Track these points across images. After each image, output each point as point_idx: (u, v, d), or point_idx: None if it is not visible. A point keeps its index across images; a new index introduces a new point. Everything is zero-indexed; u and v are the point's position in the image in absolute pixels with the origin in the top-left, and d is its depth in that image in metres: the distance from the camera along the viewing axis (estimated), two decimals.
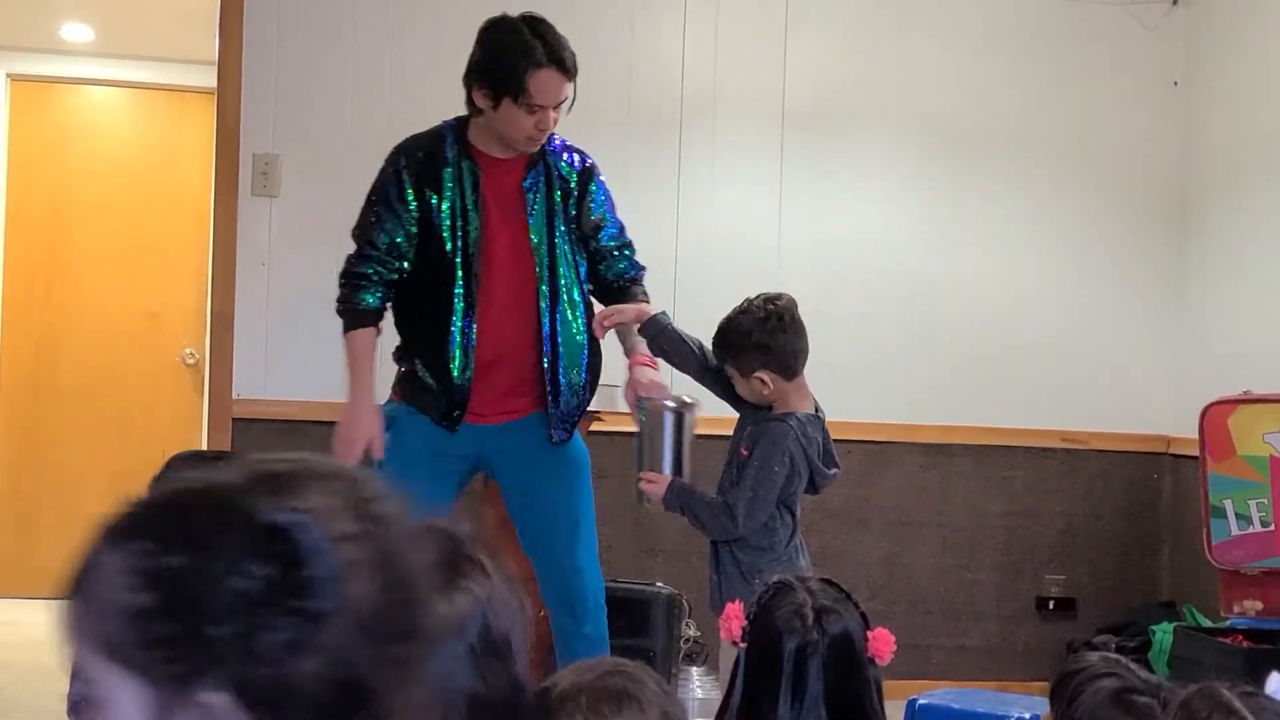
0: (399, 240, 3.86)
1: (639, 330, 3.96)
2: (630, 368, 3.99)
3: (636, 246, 5.62)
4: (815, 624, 2.26)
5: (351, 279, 3.91)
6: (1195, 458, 5.24)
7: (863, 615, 2.34)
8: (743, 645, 2.34)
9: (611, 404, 4.96)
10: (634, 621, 4.12)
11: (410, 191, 3.84)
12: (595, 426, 5.13)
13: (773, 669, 2.26)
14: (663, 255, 5.63)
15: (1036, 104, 5.99)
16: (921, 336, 5.87)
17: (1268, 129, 5.60)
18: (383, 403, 4.02)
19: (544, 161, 3.97)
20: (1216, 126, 5.93)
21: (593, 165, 4.08)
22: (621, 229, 4.15)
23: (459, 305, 3.85)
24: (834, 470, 3.88)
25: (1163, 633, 5.36)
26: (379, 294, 3.90)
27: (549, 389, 3.97)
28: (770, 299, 3.83)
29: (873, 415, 5.76)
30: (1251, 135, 5.70)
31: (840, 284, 5.71)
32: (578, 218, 4.03)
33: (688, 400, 3.89)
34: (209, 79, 5.94)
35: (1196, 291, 5.98)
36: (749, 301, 3.84)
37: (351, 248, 3.96)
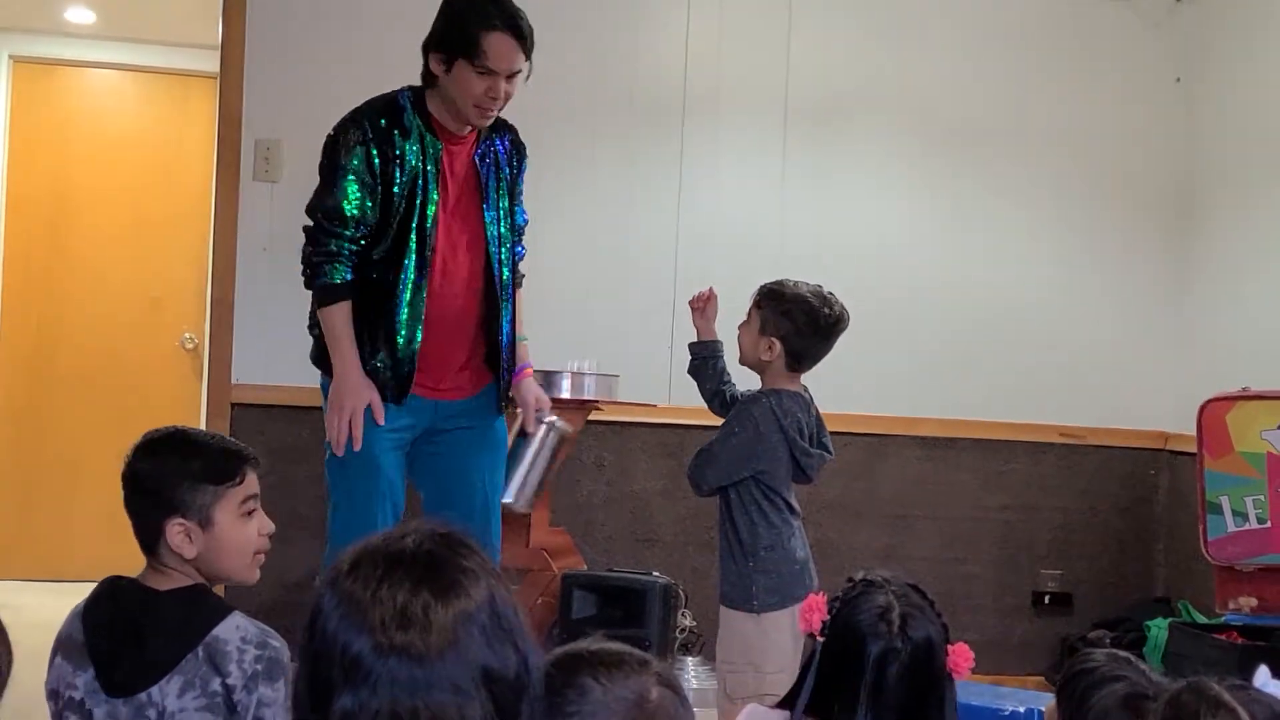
0: (367, 212, 3.82)
1: (701, 346, 4.06)
2: (524, 377, 4.13)
3: (640, 237, 5.66)
4: (900, 630, 2.25)
5: (321, 257, 3.83)
6: (1193, 454, 5.25)
7: (944, 625, 2.32)
8: (820, 639, 2.32)
9: (610, 394, 4.97)
10: (630, 611, 4.12)
11: (377, 162, 3.81)
12: (594, 416, 5.13)
13: (853, 670, 2.23)
14: (664, 247, 5.64)
15: (1038, 100, 6.00)
16: (922, 330, 5.87)
17: (1270, 126, 5.60)
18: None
19: (490, 140, 4.02)
20: (1218, 123, 5.93)
21: (524, 144, 4.15)
22: (523, 211, 4.23)
23: (410, 278, 3.84)
24: (819, 451, 3.89)
25: (1158, 629, 5.37)
26: (350, 268, 3.84)
27: (503, 364, 4.05)
28: (836, 301, 3.93)
29: (872, 408, 5.77)
30: (1253, 132, 5.70)
31: (841, 277, 5.64)
32: (510, 196, 4.09)
33: (569, 427, 4.23)
34: (211, 64, 5.93)
35: (1196, 288, 5.98)
36: (821, 290, 3.93)
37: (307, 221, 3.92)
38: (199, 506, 2.51)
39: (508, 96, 3.88)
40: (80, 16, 7.23)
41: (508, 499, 4.12)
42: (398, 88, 3.95)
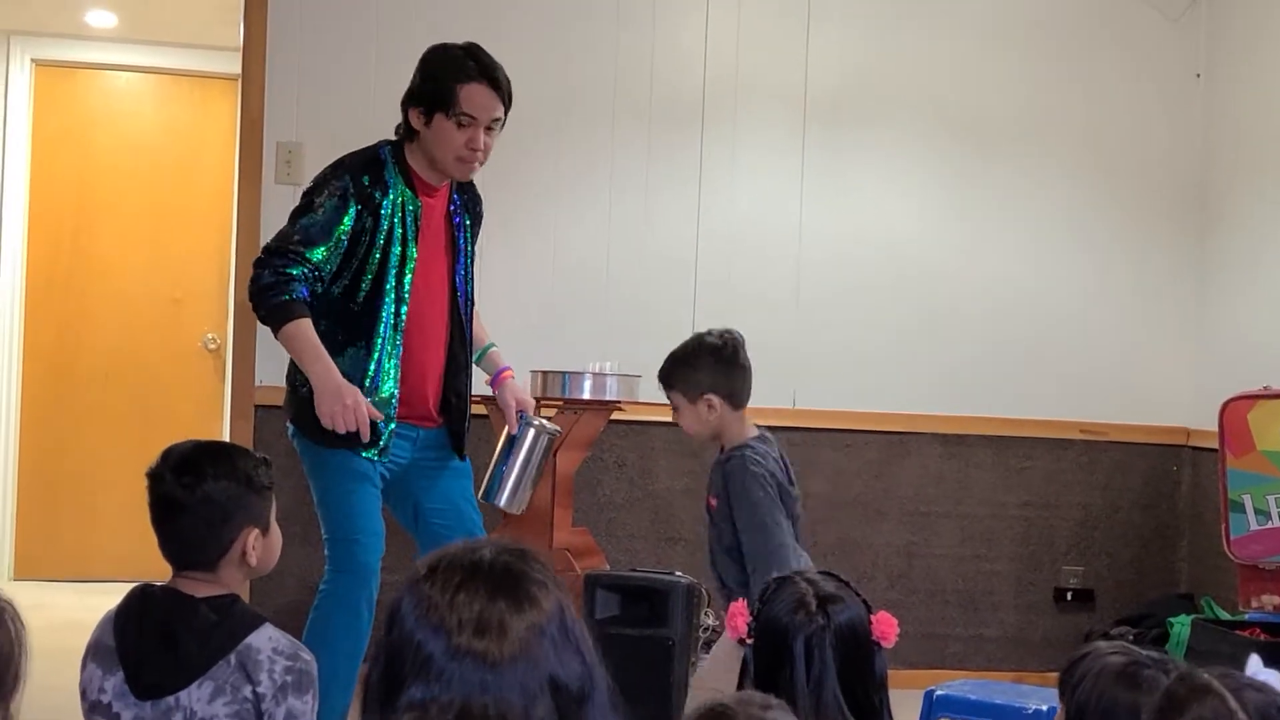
0: (326, 262, 3.77)
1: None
2: (504, 380, 4.16)
3: (660, 237, 5.67)
4: (820, 611, 2.31)
5: (280, 280, 3.74)
6: (1215, 450, 5.24)
7: (864, 601, 2.37)
8: (750, 642, 2.37)
9: (632, 394, 4.98)
10: (653, 610, 4.11)
11: (350, 218, 3.78)
12: (616, 416, 5.14)
13: (784, 661, 2.29)
14: (684, 244, 5.65)
15: (1058, 95, 5.99)
16: (941, 326, 5.87)
17: None
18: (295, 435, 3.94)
19: (460, 192, 4.05)
20: (1238, 119, 5.92)
21: (479, 194, 4.16)
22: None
23: (387, 333, 3.84)
24: (795, 490, 3.93)
25: (1180, 625, 5.36)
26: (307, 295, 3.77)
27: (454, 414, 4.05)
28: (726, 331, 3.96)
29: (892, 405, 5.77)
30: (1273, 128, 5.69)
31: (861, 273, 5.72)
32: (472, 244, 4.12)
33: (557, 429, 4.20)
34: (233, 65, 5.96)
35: (1216, 284, 5.97)
36: (703, 333, 3.97)
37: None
38: (265, 514, 2.59)
39: (487, 149, 3.89)
40: (101, 20, 7.27)
41: (501, 503, 4.12)
42: (377, 142, 3.95)
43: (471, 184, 4.13)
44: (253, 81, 5.36)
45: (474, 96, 3.83)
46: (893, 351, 5.76)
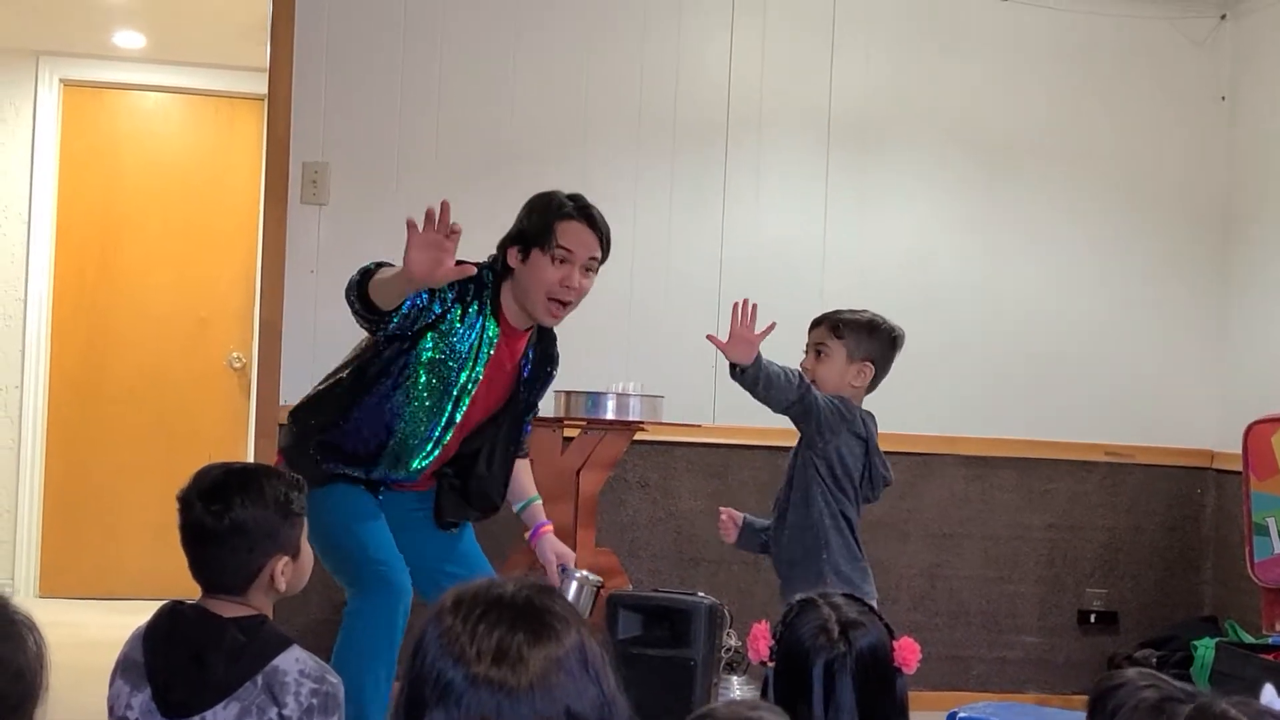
0: (413, 305, 3.74)
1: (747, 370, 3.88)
2: (543, 534, 4.14)
3: (683, 258, 5.68)
4: (841, 637, 2.31)
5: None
6: (1239, 473, 5.22)
7: (887, 626, 2.38)
8: (771, 664, 2.38)
9: (655, 415, 4.98)
10: (676, 631, 4.12)
11: (451, 292, 3.79)
12: (639, 436, 5.15)
13: (803, 685, 2.30)
14: (708, 265, 5.66)
15: (1082, 118, 5.99)
16: (965, 348, 5.87)
17: None
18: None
19: (539, 347, 4.05)
20: (1262, 141, 5.91)
21: (558, 355, 4.17)
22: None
23: (435, 433, 3.86)
24: (888, 473, 3.98)
25: (1204, 648, 5.34)
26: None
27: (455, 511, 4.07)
28: (900, 328, 4.07)
29: (915, 426, 5.76)
30: None
31: (884, 295, 5.69)
32: (532, 396, 4.12)
33: (599, 580, 4.14)
34: (259, 86, 5.99)
35: (1240, 306, 5.96)
36: (880, 316, 4.06)
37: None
38: (295, 539, 2.60)
39: (581, 290, 3.90)
40: (129, 40, 7.31)
41: None
42: (483, 261, 3.90)
43: (553, 344, 4.11)
44: (279, 102, 5.39)
45: (571, 232, 3.86)
46: (917, 373, 5.74)
